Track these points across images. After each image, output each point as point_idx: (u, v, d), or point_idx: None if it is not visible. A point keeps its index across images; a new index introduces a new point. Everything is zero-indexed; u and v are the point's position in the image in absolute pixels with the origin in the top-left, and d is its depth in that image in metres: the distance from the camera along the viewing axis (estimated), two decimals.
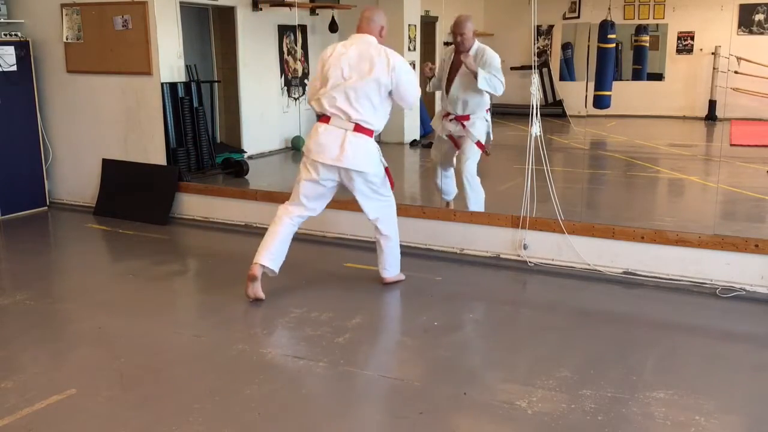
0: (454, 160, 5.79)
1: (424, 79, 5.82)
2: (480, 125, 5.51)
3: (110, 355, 3.66)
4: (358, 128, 4.24)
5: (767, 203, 6.48)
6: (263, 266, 4.34)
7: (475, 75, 5.19)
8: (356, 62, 4.23)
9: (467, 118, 5.49)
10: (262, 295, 4.34)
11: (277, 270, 4.39)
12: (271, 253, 4.35)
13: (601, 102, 8.35)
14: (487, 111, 5.58)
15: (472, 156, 5.50)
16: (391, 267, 4.63)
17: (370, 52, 4.24)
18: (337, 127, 4.24)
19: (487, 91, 5.31)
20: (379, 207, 4.45)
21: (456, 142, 5.66)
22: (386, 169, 4.46)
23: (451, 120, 5.56)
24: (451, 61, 5.51)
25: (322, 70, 4.32)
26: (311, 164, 4.33)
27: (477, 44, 5.39)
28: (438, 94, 6.28)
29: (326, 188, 4.40)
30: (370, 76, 4.19)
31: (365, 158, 4.28)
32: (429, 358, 3.63)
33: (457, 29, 5.34)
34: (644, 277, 4.71)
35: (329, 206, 4.55)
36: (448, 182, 5.88)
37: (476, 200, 5.55)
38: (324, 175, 4.32)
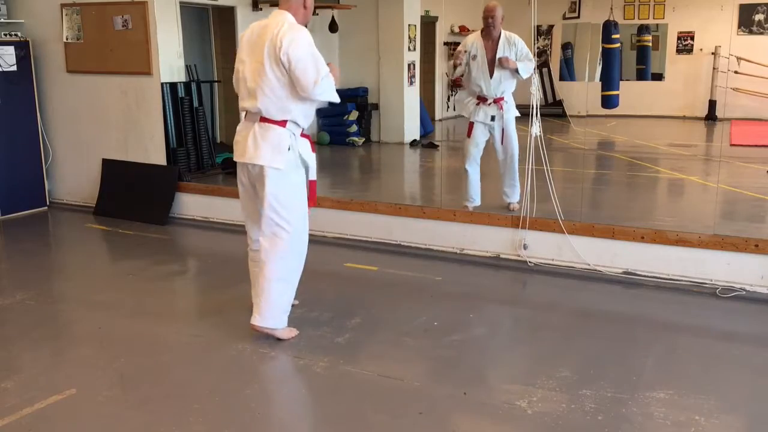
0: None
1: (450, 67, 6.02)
2: (512, 104, 5.87)
3: (110, 355, 3.66)
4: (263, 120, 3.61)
5: (767, 203, 6.48)
6: None
7: (516, 70, 5.65)
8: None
9: (503, 99, 5.80)
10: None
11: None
12: None
13: (609, 102, 8.36)
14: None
15: (516, 140, 5.82)
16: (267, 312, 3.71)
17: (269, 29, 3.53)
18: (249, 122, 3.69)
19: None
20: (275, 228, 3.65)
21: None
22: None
23: (489, 104, 5.80)
24: (484, 47, 5.75)
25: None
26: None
27: (503, 31, 5.73)
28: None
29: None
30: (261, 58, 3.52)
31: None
32: (429, 358, 3.63)
33: (488, 12, 5.67)
34: (644, 277, 4.71)
35: (329, 206, 4.52)
36: (478, 183, 5.94)
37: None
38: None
